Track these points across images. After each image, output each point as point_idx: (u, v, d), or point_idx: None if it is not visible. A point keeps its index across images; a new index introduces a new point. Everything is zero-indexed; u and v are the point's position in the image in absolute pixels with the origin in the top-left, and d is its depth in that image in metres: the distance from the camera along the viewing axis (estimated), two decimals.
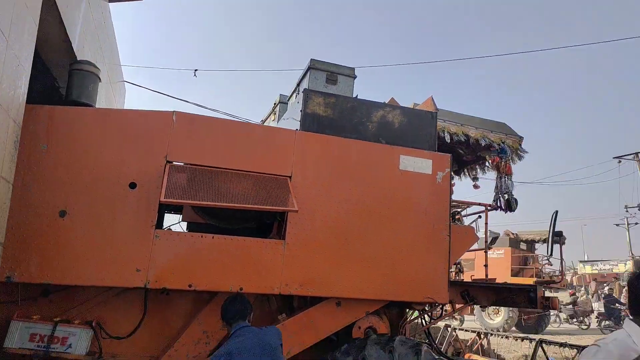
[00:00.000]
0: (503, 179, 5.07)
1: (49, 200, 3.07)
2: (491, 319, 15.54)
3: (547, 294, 4.23)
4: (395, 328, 4.11)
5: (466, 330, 7.57)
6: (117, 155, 3.27)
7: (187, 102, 9.68)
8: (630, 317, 1.70)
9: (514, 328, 15.18)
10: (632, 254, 35.25)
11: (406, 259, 3.77)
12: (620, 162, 32.52)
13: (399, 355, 3.38)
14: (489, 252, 4.98)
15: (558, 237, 4.12)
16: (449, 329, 7.14)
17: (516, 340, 7.19)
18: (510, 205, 4.99)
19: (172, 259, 3.22)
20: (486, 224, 4.96)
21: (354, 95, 4.21)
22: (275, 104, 5.21)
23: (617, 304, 16.67)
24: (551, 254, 4.09)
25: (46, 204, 3.06)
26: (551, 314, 15.91)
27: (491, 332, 8.45)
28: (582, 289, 30.85)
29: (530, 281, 13.83)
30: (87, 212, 3.12)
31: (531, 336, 5.95)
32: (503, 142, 5.06)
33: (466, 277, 6.76)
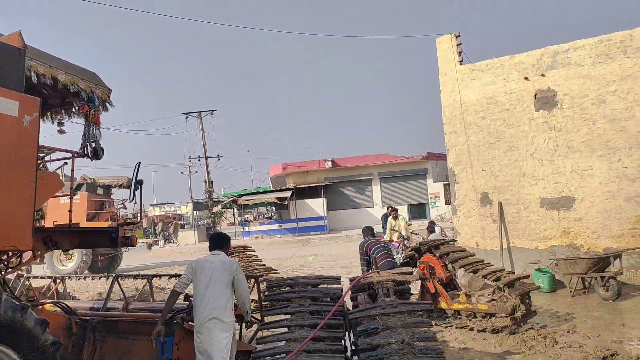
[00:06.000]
0: (91, 128, 5.26)
1: None
2: (63, 265, 15.35)
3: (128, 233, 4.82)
4: None
5: (41, 278, 7.32)
6: None
7: None
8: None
9: (87, 271, 15.45)
10: (192, 198, 42.05)
11: None
12: (187, 118, 37.72)
13: None
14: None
15: (139, 185, 4.76)
16: (21, 279, 6.74)
17: (93, 279, 7.56)
18: (97, 153, 5.26)
19: None
20: (72, 170, 5.06)
21: None
22: None
23: None
24: (133, 199, 4.70)
25: None
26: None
27: (69, 275, 8.51)
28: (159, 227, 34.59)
29: (106, 224, 14.50)
30: None
31: (110, 275, 6.49)
32: (92, 92, 5.22)
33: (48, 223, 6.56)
